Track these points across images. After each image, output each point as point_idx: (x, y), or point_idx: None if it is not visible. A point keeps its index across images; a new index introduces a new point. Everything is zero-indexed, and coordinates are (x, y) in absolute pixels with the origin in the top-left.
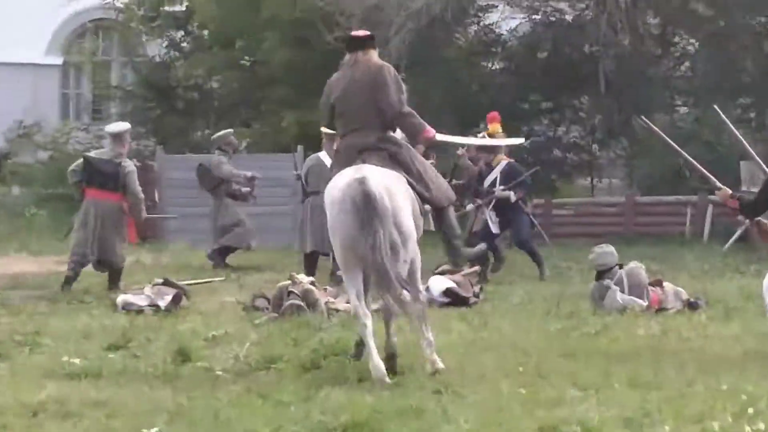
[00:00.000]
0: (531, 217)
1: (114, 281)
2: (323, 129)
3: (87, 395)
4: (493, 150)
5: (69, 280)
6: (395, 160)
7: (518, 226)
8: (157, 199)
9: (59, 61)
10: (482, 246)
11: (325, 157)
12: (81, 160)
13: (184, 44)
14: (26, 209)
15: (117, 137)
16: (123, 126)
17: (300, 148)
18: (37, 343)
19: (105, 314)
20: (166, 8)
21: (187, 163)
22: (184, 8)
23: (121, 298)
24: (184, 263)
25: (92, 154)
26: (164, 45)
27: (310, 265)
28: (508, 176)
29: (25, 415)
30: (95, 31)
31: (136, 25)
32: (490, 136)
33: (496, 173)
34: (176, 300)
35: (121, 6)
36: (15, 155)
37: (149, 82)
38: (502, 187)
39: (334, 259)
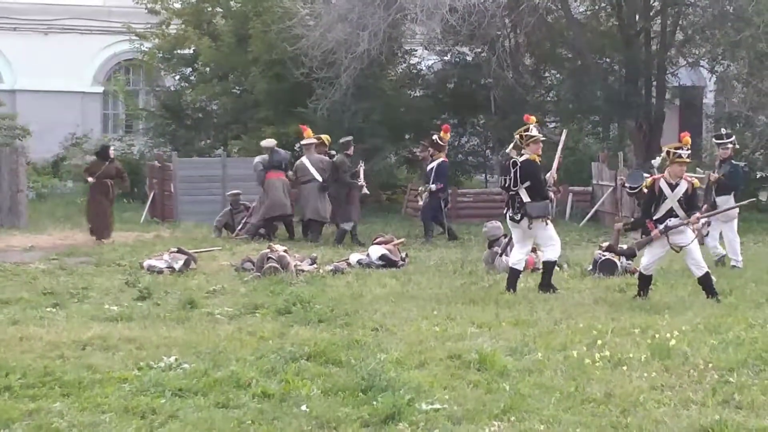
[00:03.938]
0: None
1: (289, 231)
2: (303, 141)
3: (122, 333)
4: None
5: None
6: None
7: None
8: (172, 189)
9: (100, 89)
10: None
11: (306, 160)
12: (260, 158)
13: (192, 77)
14: (77, 198)
15: (267, 149)
16: (270, 142)
17: None
18: (86, 295)
19: (135, 274)
20: (178, 51)
21: (193, 164)
22: (191, 51)
23: (146, 262)
24: (192, 236)
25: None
26: (177, 78)
27: (306, 230)
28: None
29: (76, 348)
30: (127, 68)
31: (157, 63)
32: (441, 138)
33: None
34: (187, 264)
35: (146, 50)
36: (69, 158)
37: (166, 106)
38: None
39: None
